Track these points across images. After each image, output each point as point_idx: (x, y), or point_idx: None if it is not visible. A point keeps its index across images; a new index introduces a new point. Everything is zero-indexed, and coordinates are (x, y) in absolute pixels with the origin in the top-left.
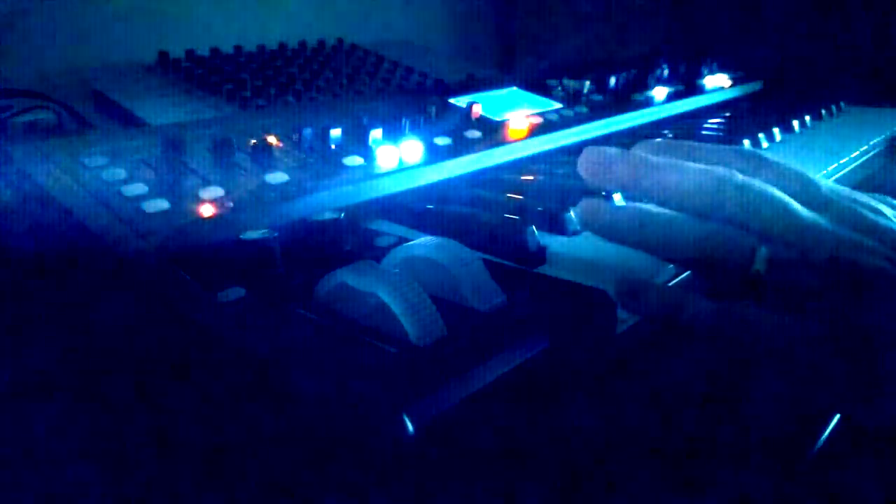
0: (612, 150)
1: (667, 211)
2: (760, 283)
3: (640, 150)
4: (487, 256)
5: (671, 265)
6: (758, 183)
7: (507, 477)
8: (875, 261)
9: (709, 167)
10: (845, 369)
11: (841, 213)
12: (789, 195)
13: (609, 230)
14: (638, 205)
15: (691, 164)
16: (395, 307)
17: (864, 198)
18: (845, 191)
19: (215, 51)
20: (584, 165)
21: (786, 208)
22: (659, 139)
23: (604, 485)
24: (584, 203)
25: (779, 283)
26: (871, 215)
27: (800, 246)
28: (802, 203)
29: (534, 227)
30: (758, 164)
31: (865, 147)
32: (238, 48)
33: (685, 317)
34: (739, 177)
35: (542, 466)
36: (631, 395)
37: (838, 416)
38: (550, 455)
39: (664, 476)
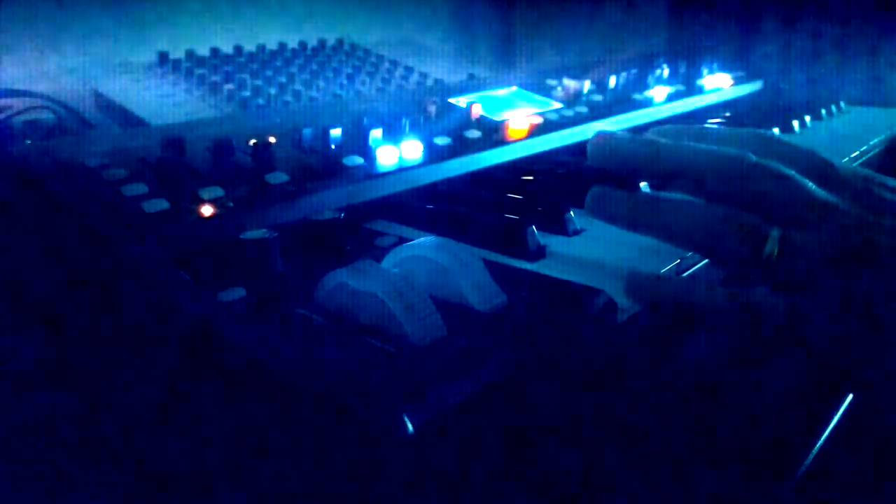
0: (623, 134)
1: (678, 196)
2: (773, 265)
3: (651, 135)
4: (487, 256)
5: (673, 262)
6: (772, 163)
7: (507, 477)
8: (891, 240)
9: (722, 148)
10: (860, 351)
11: (856, 192)
12: (803, 175)
13: (619, 217)
14: (647, 191)
15: (704, 146)
16: (395, 307)
17: (878, 177)
18: (859, 170)
19: (215, 51)
20: (595, 150)
21: (800, 188)
22: (670, 125)
23: (604, 483)
24: (593, 191)
25: (792, 265)
26: (888, 194)
27: (814, 226)
28: (817, 183)
29: (534, 227)
30: (771, 145)
31: (865, 147)
32: (238, 48)
33: (696, 304)
34: (753, 157)
35: (542, 467)
36: (631, 393)
37: (850, 397)
38: (550, 455)
39: (666, 474)
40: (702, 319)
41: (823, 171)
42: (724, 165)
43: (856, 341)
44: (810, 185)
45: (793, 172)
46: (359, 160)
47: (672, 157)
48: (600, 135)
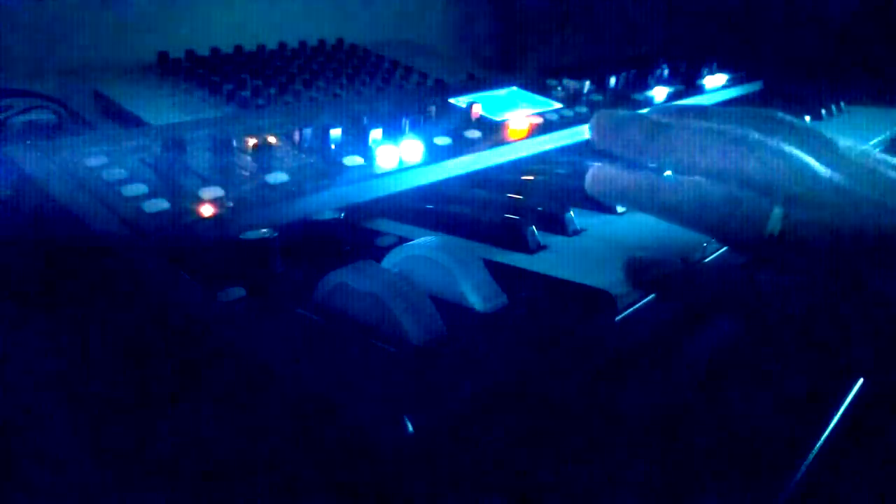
0: (624, 113)
1: (680, 176)
2: (775, 244)
3: (653, 114)
4: (487, 256)
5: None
6: (774, 141)
7: (507, 477)
8: (894, 220)
9: (723, 126)
10: (866, 331)
11: (859, 171)
12: (806, 154)
13: (620, 195)
14: (649, 170)
15: (705, 124)
16: (395, 307)
17: (882, 157)
18: (863, 149)
19: (215, 51)
20: (596, 128)
21: (803, 167)
22: (672, 105)
23: (604, 483)
24: (594, 169)
25: (795, 244)
26: (892, 174)
27: (817, 205)
28: (820, 162)
29: (534, 227)
30: (774, 123)
31: (865, 147)
32: (238, 48)
33: (699, 289)
34: (755, 135)
35: (542, 466)
36: (631, 392)
37: (860, 381)
38: (550, 454)
39: (667, 473)
40: (704, 301)
41: (827, 150)
42: (727, 144)
43: (861, 322)
44: (814, 164)
45: (796, 151)
46: (359, 160)
47: (674, 134)
48: (601, 113)
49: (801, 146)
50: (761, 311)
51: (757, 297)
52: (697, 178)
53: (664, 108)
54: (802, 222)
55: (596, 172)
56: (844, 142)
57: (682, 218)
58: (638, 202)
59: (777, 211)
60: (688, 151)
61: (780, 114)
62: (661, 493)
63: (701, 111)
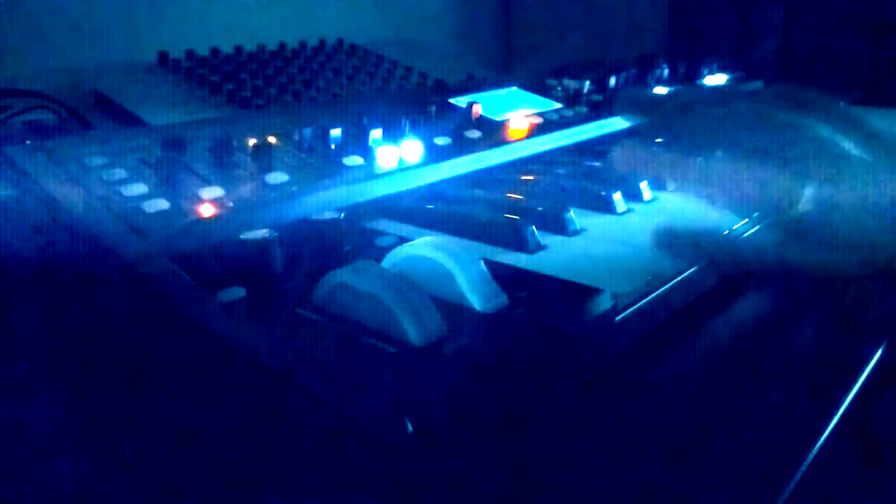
0: (653, 94)
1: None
2: (807, 222)
3: (682, 96)
4: (487, 255)
5: (672, 260)
6: (805, 119)
7: (507, 477)
8: None
9: (756, 106)
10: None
11: (890, 149)
12: (836, 131)
13: (649, 170)
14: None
15: (736, 104)
16: (395, 307)
17: None
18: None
19: (215, 51)
20: (624, 110)
21: (834, 146)
22: (700, 87)
23: (604, 483)
24: (622, 146)
25: (825, 222)
26: None
27: (848, 182)
28: (851, 141)
29: (534, 227)
30: (803, 101)
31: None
32: (238, 48)
33: (730, 260)
34: (786, 115)
35: (542, 466)
36: (632, 392)
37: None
38: (549, 455)
39: (668, 472)
40: (733, 272)
41: (858, 130)
42: (758, 123)
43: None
44: (844, 141)
45: (826, 130)
46: (359, 160)
47: (703, 114)
48: (629, 93)
49: (832, 126)
50: (797, 283)
51: (792, 270)
52: (727, 156)
53: (692, 90)
54: (833, 199)
55: (624, 148)
56: (875, 122)
57: (711, 194)
58: (663, 175)
59: (808, 190)
60: (718, 130)
61: (812, 93)
62: (661, 493)
63: (731, 91)
